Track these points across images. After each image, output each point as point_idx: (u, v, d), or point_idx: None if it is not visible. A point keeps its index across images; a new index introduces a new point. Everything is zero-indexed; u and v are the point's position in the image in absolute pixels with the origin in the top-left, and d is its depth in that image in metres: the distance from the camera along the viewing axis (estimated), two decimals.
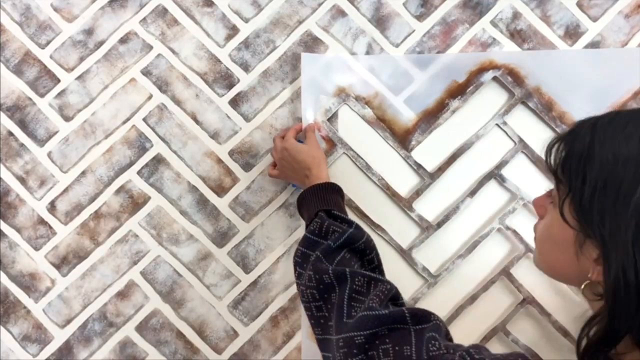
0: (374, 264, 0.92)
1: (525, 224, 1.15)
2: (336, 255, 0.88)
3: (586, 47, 1.18)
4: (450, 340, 0.74)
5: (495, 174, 1.15)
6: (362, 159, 1.17)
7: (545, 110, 1.16)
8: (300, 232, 1.17)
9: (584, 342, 0.63)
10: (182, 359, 1.16)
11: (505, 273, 1.14)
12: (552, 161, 0.68)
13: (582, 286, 0.66)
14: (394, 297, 0.82)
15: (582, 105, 1.15)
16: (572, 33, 1.18)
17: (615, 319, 0.59)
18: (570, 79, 1.16)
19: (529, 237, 1.13)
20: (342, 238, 0.89)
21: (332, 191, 1.01)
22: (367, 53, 1.20)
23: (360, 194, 1.17)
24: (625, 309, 0.58)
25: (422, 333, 0.69)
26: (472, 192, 1.15)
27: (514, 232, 1.14)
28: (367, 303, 0.77)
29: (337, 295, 0.81)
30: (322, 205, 0.97)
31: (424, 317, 0.73)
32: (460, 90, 1.18)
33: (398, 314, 0.72)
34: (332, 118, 1.19)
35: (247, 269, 1.17)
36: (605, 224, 0.59)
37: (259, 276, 1.17)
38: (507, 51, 1.18)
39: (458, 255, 1.15)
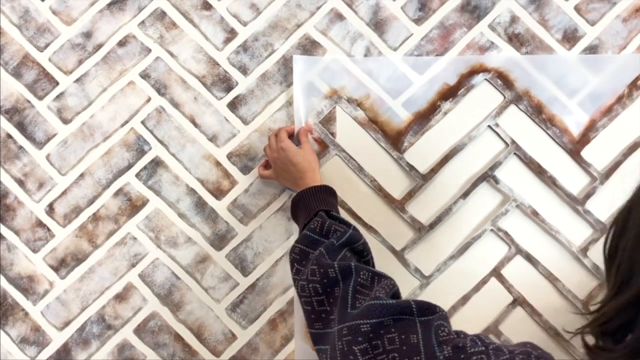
0: (369, 265, 0.94)
1: (517, 225, 1.16)
2: (338, 253, 0.89)
3: (584, 50, 1.18)
4: None
5: (488, 175, 1.16)
6: (354, 160, 1.18)
7: (536, 112, 1.17)
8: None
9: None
10: None
11: (495, 274, 1.15)
12: None
13: None
14: (396, 294, 0.83)
15: (570, 108, 1.17)
16: (570, 37, 1.19)
17: None
18: (559, 84, 1.18)
19: (520, 239, 1.15)
20: (344, 237, 0.91)
21: (330, 194, 1.03)
22: (365, 56, 1.20)
23: (353, 195, 1.17)
24: None
25: (428, 323, 0.71)
26: (465, 194, 1.16)
27: (506, 233, 1.15)
28: (373, 294, 0.78)
29: (340, 289, 0.82)
30: (321, 206, 0.99)
31: (429, 309, 0.73)
32: (451, 93, 1.19)
33: (405, 305, 0.73)
34: (330, 120, 1.19)
35: (245, 272, 1.18)
36: None
37: (257, 279, 1.18)
38: (498, 55, 1.19)
39: (450, 257, 1.16)
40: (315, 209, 0.98)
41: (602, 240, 1.13)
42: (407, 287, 1.16)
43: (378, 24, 1.21)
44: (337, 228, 0.92)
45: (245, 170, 1.19)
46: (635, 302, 0.65)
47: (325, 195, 1.02)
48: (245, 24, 1.22)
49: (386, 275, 0.84)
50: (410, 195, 1.17)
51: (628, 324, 0.67)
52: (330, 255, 0.88)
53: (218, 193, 1.19)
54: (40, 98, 1.21)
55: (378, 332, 0.71)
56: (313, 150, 1.14)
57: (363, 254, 0.93)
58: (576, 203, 1.15)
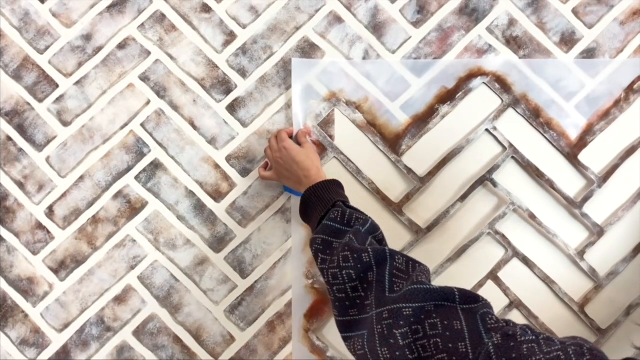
0: None
1: (514, 228, 1.16)
2: (366, 239, 0.88)
3: (582, 53, 1.19)
4: None
5: (487, 179, 1.16)
6: (352, 163, 1.18)
7: (533, 116, 1.18)
8: (298, 237, 1.18)
9: None
10: None
11: (492, 277, 1.16)
12: None
13: None
14: (430, 281, 0.82)
15: (568, 112, 1.18)
16: (567, 40, 1.19)
17: None
18: (556, 87, 1.19)
19: (517, 242, 1.16)
20: (367, 224, 0.91)
21: (341, 187, 1.03)
22: (364, 59, 1.20)
23: (351, 198, 1.15)
24: None
25: (471, 311, 0.70)
26: (463, 197, 1.16)
27: (503, 236, 1.15)
28: (415, 278, 0.77)
29: (374, 274, 0.81)
30: (337, 197, 0.98)
31: (472, 298, 0.72)
32: (449, 96, 1.19)
33: (448, 291, 0.72)
34: (328, 123, 1.19)
35: (243, 274, 1.18)
36: None
37: (256, 281, 1.18)
38: (496, 58, 1.19)
39: (447, 259, 1.16)
40: (331, 200, 0.97)
41: (599, 243, 1.14)
42: None
43: (377, 27, 1.21)
44: (359, 216, 0.92)
45: (244, 172, 1.20)
46: None
47: (338, 188, 1.02)
48: (244, 27, 1.22)
49: (420, 262, 0.83)
50: (408, 198, 1.17)
51: None
52: (359, 241, 0.87)
53: (217, 195, 1.20)
54: (40, 100, 1.21)
55: (419, 317, 0.71)
56: (314, 149, 1.14)
57: (382, 243, 0.93)
58: (573, 206, 1.15)
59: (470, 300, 0.71)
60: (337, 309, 0.83)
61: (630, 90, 1.17)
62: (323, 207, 0.98)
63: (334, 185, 1.02)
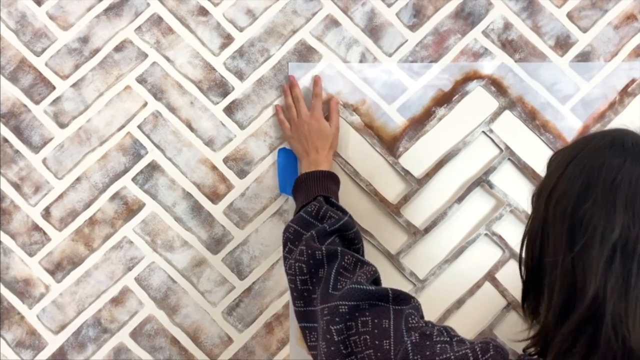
0: (359, 253, 0.99)
1: (511, 229, 1.17)
2: (328, 238, 0.94)
3: (576, 57, 1.20)
4: None
5: (483, 180, 1.17)
6: (350, 165, 1.19)
7: (530, 119, 1.18)
8: None
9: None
10: None
11: (490, 278, 1.17)
12: None
13: None
14: (376, 280, 0.89)
15: (563, 114, 1.19)
16: (562, 44, 1.20)
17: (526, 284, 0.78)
18: (551, 90, 1.20)
19: (515, 243, 1.16)
20: (337, 224, 0.95)
21: (333, 181, 1.07)
22: (361, 62, 1.21)
23: (349, 199, 1.18)
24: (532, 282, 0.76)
25: (400, 312, 0.76)
26: (460, 198, 1.17)
27: (500, 237, 1.16)
28: (355, 278, 0.83)
29: (325, 271, 0.87)
30: (322, 191, 1.02)
31: (404, 300, 0.79)
32: (446, 99, 1.20)
33: (382, 292, 0.79)
34: None
35: (241, 276, 1.18)
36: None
37: (254, 283, 1.18)
38: (492, 62, 1.20)
39: (445, 260, 1.17)
40: (315, 193, 1.02)
41: None
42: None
43: (373, 30, 1.22)
44: (332, 214, 0.97)
45: (242, 174, 1.20)
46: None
47: (328, 181, 1.05)
48: (241, 30, 1.22)
49: (369, 262, 0.89)
50: (406, 199, 1.18)
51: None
52: (320, 239, 0.93)
53: (214, 197, 1.20)
54: (37, 102, 1.21)
55: (354, 315, 0.77)
56: (338, 132, 1.17)
57: (354, 242, 0.98)
58: None
59: (403, 302, 0.79)
60: (291, 298, 0.91)
61: (624, 93, 1.19)
62: (306, 197, 1.02)
63: (325, 178, 1.05)
